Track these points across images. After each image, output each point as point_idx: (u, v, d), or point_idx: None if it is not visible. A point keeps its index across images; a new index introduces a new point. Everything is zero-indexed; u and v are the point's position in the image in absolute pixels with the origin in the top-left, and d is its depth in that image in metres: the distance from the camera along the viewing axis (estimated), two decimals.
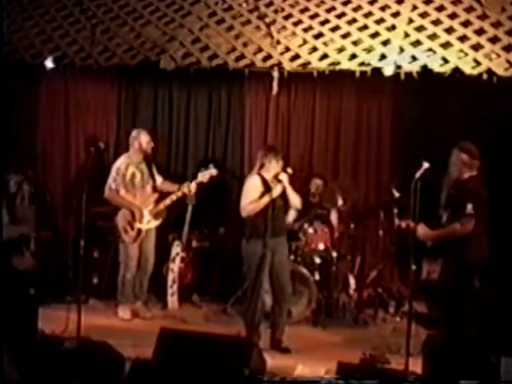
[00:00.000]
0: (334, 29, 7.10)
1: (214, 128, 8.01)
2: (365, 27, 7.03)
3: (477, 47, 6.52)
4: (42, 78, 7.92)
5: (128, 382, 4.30)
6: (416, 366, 4.77)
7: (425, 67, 6.45)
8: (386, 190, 7.15)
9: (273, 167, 5.89)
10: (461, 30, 6.72)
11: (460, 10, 6.91)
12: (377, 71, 6.57)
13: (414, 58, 6.56)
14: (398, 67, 6.50)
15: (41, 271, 7.01)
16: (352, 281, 7.15)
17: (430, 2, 7.06)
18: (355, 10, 7.24)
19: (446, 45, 6.62)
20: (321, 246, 6.97)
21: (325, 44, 6.95)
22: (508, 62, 6.33)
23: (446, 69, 6.41)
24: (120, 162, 6.84)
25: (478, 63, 6.37)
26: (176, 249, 7.27)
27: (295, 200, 5.95)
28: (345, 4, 7.32)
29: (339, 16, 7.22)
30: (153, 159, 7.11)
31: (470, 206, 5.20)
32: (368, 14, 7.15)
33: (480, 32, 6.66)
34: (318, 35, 7.06)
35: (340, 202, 7.22)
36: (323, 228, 7.04)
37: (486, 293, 5.67)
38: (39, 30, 7.82)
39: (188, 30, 7.44)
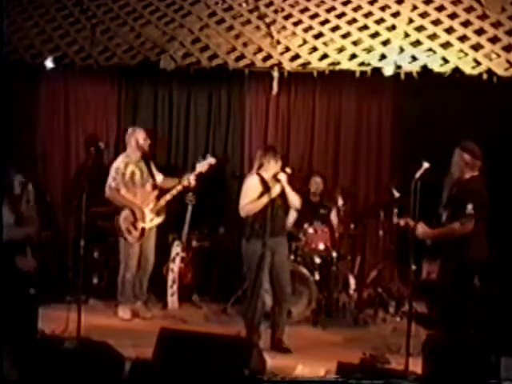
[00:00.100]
0: (334, 29, 7.10)
1: (214, 128, 8.02)
2: (365, 27, 7.03)
3: (477, 47, 6.52)
4: (42, 77, 7.92)
5: (128, 382, 4.30)
6: (416, 365, 4.77)
7: (425, 67, 6.45)
8: (386, 190, 7.15)
9: (271, 167, 5.89)
10: (461, 30, 6.72)
11: (460, 10, 6.91)
12: (377, 71, 6.57)
13: (414, 58, 6.56)
14: (398, 67, 6.50)
15: (41, 271, 7.00)
16: (352, 281, 7.15)
17: (430, 1, 7.06)
18: (355, 9, 7.24)
19: (446, 45, 6.62)
20: (321, 246, 6.97)
21: (325, 44, 6.95)
22: (508, 61, 6.33)
23: (446, 69, 6.41)
24: (119, 162, 6.84)
25: (478, 63, 6.37)
26: (176, 249, 7.28)
27: (294, 199, 5.95)
28: (345, 4, 7.32)
29: (339, 16, 7.22)
30: (151, 157, 7.11)
31: (470, 206, 5.21)
32: (368, 14, 7.15)
33: (480, 32, 6.66)
34: (318, 35, 7.06)
35: (340, 201, 7.23)
36: (323, 228, 7.05)
37: (486, 293, 5.67)
38: (39, 30, 7.82)
39: (188, 30, 7.44)
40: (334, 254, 6.90)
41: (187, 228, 7.29)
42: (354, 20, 7.13)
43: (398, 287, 7.27)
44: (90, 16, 7.84)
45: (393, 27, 6.94)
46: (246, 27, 7.35)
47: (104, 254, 7.49)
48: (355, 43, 6.88)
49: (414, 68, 6.48)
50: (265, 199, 5.76)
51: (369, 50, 6.77)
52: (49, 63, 7.33)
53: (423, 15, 6.97)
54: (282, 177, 5.81)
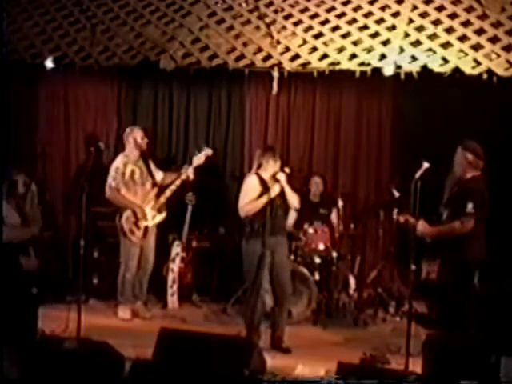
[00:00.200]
0: (334, 29, 7.10)
1: (214, 128, 8.02)
2: (365, 27, 7.03)
3: (477, 47, 6.53)
4: (41, 77, 7.92)
5: (128, 382, 4.30)
6: (416, 366, 4.76)
7: (425, 67, 6.45)
8: (386, 190, 7.15)
9: (270, 167, 5.90)
10: (461, 30, 6.72)
11: (460, 10, 6.91)
12: (377, 71, 6.57)
13: (413, 58, 6.56)
14: (398, 67, 6.50)
15: (41, 271, 7.00)
16: (352, 281, 7.15)
17: (430, 1, 7.06)
18: (355, 9, 7.24)
19: (446, 45, 6.62)
20: (321, 246, 6.97)
21: (325, 44, 6.95)
22: (508, 61, 6.33)
23: (446, 69, 6.41)
24: (118, 161, 6.86)
25: (478, 63, 6.37)
26: (176, 249, 7.28)
27: (293, 199, 5.95)
28: (345, 4, 7.32)
29: (339, 16, 7.22)
30: (149, 155, 7.11)
31: (470, 206, 5.21)
32: (368, 14, 7.15)
33: (480, 32, 6.66)
34: (318, 35, 7.06)
35: (340, 202, 7.23)
36: (323, 228, 7.05)
37: (486, 293, 5.67)
38: (39, 30, 7.82)
39: (188, 29, 7.44)
40: (334, 254, 6.90)
41: (187, 228, 7.29)
42: (354, 20, 7.13)
43: (398, 287, 7.27)
44: (90, 16, 7.84)
45: (393, 27, 6.94)
46: (245, 27, 7.35)
47: (104, 254, 7.49)
48: (355, 43, 6.88)
49: (414, 68, 6.48)
50: (264, 199, 5.76)
51: (369, 50, 6.77)
52: (49, 63, 7.33)
53: (423, 15, 6.97)
54: (281, 177, 5.81)
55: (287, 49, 6.98)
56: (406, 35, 6.81)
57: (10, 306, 4.95)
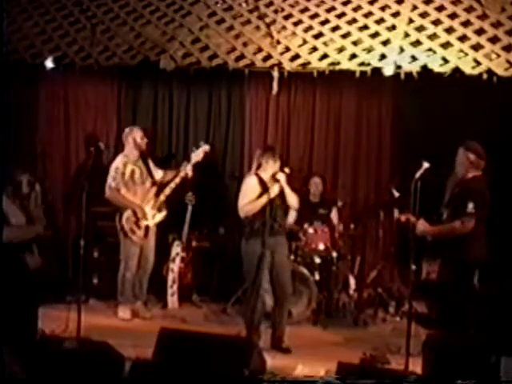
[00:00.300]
0: (334, 29, 7.09)
1: (214, 128, 8.01)
2: (365, 27, 7.02)
3: (477, 47, 6.52)
4: (42, 77, 7.92)
5: (128, 382, 4.30)
6: (416, 366, 4.77)
7: (425, 67, 6.45)
8: (386, 190, 7.15)
9: (270, 167, 5.90)
10: (461, 30, 6.71)
11: (460, 10, 6.91)
12: (377, 71, 6.57)
13: (413, 58, 6.55)
14: (398, 67, 6.50)
15: (42, 271, 7.01)
16: (352, 281, 7.15)
17: (430, 1, 7.06)
18: (355, 9, 7.23)
19: (446, 45, 6.62)
20: (321, 246, 6.97)
21: (325, 44, 6.95)
22: (508, 61, 6.32)
23: (446, 69, 6.40)
24: (118, 161, 6.86)
25: (478, 63, 6.37)
26: (176, 249, 7.28)
27: (293, 200, 5.95)
28: (345, 4, 7.32)
29: (339, 16, 7.21)
30: (149, 155, 7.11)
31: (471, 206, 5.22)
32: (368, 14, 7.15)
33: (480, 32, 6.65)
34: (318, 35, 7.06)
35: (340, 201, 7.24)
36: (323, 228, 7.04)
37: (486, 293, 5.67)
38: (39, 30, 7.81)
39: (188, 29, 7.44)
40: (334, 254, 6.90)
41: (187, 228, 7.29)
42: (354, 20, 7.13)
43: (398, 287, 7.27)
44: (90, 16, 7.83)
45: (393, 27, 6.94)
46: (245, 27, 7.35)
47: (104, 253, 7.49)
48: (355, 43, 6.88)
49: (414, 68, 6.47)
50: (264, 199, 5.76)
51: (369, 50, 6.77)
52: (49, 63, 7.32)
53: (423, 15, 6.97)
54: (281, 177, 5.81)
55: (287, 49, 6.98)
56: (406, 35, 6.80)
57: (13, 305, 4.96)
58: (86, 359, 4.42)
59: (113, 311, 6.88)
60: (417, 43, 6.70)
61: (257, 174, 5.94)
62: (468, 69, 6.35)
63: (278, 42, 7.03)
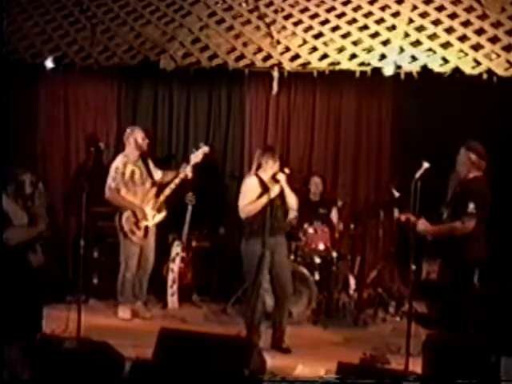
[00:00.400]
0: (334, 29, 7.09)
1: (214, 128, 8.01)
2: (365, 27, 7.02)
3: (477, 47, 6.52)
4: (41, 77, 7.92)
5: (128, 382, 4.30)
6: (416, 365, 4.77)
7: (425, 67, 6.45)
8: (386, 190, 7.15)
9: (270, 167, 5.89)
10: (461, 30, 6.71)
11: (460, 10, 6.91)
12: (377, 71, 6.57)
13: (413, 58, 6.55)
14: (398, 67, 6.50)
15: (42, 271, 7.00)
16: (352, 281, 7.15)
17: (430, 1, 7.06)
18: (355, 9, 7.23)
19: (446, 45, 6.62)
20: (321, 246, 6.97)
21: (325, 44, 6.95)
22: (508, 61, 6.32)
23: (446, 69, 6.40)
24: (118, 162, 6.86)
25: (478, 63, 6.37)
26: (176, 249, 7.28)
27: (292, 200, 5.95)
28: (345, 4, 7.32)
29: (339, 16, 7.21)
30: (149, 155, 7.11)
31: (472, 206, 5.22)
32: (368, 14, 7.15)
33: (480, 32, 6.65)
34: (318, 35, 7.06)
35: (340, 201, 7.24)
36: (323, 228, 7.05)
37: (486, 293, 5.67)
38: (39, 30, 7.81)
39: (188, 29, 7.44)
40: (334, 254, 6.90)
41: (187, 228, 7.29)
42: (354, 20, 7.13)
43: (398, 287, 7.27)
44: (90, 16, 7.83)
45: (393, 27, 6.94)
46: (245, 27, 7.35)
47: (104, 254, 7.49)
48: (355, 43, 6.88)
49: (414, 68, 6.47)
50: (264, 200, 5.75)
51: (369, 50, 6.77)
52: (49, 63, 7.32)
53: (423, 15, 6.97)
54: (281, 177, 5.81)
55: (287, 49, 6.98)
56: (406, 35, 6.80)
57: (18, 304, 4.97)
58: (86, 359, 4.42)
59: (113, 311, 6.88)
60: (417, 43, 6.70)
61: (257, 175, 5.93)
62: (468, 69, 6.35)
63: (278, 42, 7.03)
